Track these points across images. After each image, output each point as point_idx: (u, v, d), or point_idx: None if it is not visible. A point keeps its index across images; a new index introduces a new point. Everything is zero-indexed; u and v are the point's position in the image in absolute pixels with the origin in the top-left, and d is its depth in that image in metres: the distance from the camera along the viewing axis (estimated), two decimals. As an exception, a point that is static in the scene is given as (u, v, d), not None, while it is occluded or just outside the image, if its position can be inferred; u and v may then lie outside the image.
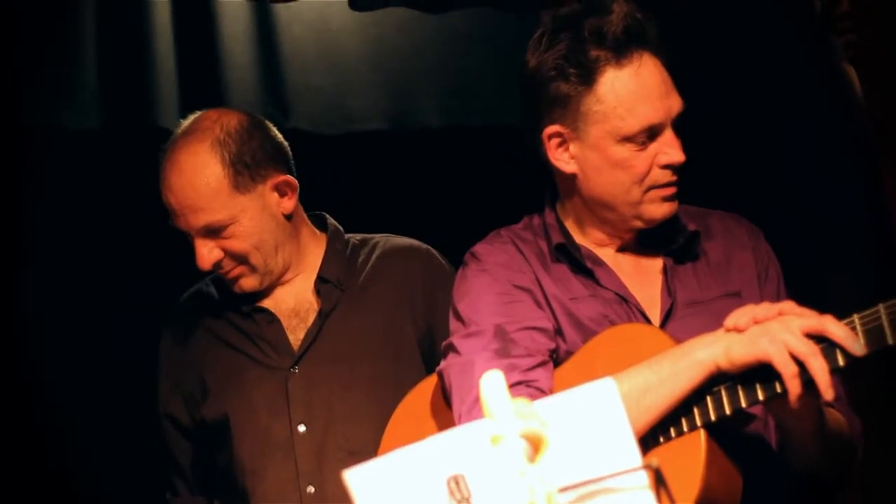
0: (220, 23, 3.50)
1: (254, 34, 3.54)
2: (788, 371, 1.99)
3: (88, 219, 3.51)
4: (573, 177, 2.48)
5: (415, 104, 3.61)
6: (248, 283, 2.91)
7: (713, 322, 2.25)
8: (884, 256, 3.38)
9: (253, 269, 2.89)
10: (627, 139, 2.39)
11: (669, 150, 2.40)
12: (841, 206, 3.50)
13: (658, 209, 2.44)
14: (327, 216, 3.08)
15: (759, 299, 2.44)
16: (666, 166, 2.40)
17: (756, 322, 2.06)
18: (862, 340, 1.96)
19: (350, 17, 3.51)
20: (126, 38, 3.37)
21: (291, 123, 3.49)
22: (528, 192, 2.62)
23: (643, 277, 2.50)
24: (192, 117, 2.91)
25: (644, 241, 2.54)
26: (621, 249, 2.53)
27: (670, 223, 2.53)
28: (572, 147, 2.45)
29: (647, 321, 2.42)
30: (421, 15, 3.48)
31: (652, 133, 2.39)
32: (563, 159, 2.47)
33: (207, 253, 2.84)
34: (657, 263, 2.52)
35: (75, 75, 3.34)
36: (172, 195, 2.82)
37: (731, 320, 2.09)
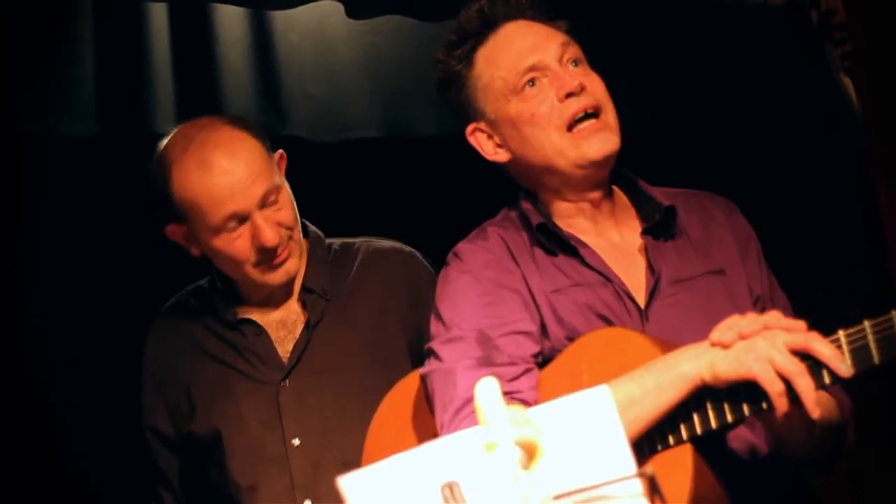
0: (217, 31, 3.49)
1: (251, 42, 3.54)
2: (774, 389, 1.97)
3: (86, 225, 3.51)
4: (512, 163, 2.54)
5: (410, 112, 3.61)
6: (293, 264, 2.87)
7: (698, 300, 2.26)
8: (879, 263, 3.39)
9: (295, 249, 2.86)
10: (515, 92, 2.46)
11: (561, 81, 2.44)
12: (838, 213, 3.51)
13: (588, 148, 2.43)
14: (307, 223, 3.04)
15: (743, 276, 2.47)
16: (568, 95, 2.42)
17: (741, 337, 2.04)
18: (848, 360, 1.94)
19: (347, 26, 3.52)
20: (123, 45, 3.37)
21: (287, 131, 3.49)
22: (518, 185, 2.62)
23: (625, 258, 2.48)
24: (182, 126, 2.88)
25: (621, 221, 2.54)
26: (599, 232, 2.51)
27: (645, 201, 2.54)
28: (495, 137, 2.53)
29: (633, 302, 2.40)
30: (417, 23, 3.48)
31: (535, 75, 2.45)
32: (496, 152, 2.55)
33: (272, 229, 2.78)
34: (637, 243, 2.50)
35: (72, 83, 3.33)
36: (224, 177, 2.74)
37: (716, 335, 2.07)
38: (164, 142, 2.86)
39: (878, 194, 3.43)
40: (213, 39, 3.48)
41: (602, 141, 2.43)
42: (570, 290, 2.41)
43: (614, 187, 2.58)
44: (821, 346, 1.97)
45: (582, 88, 2.43)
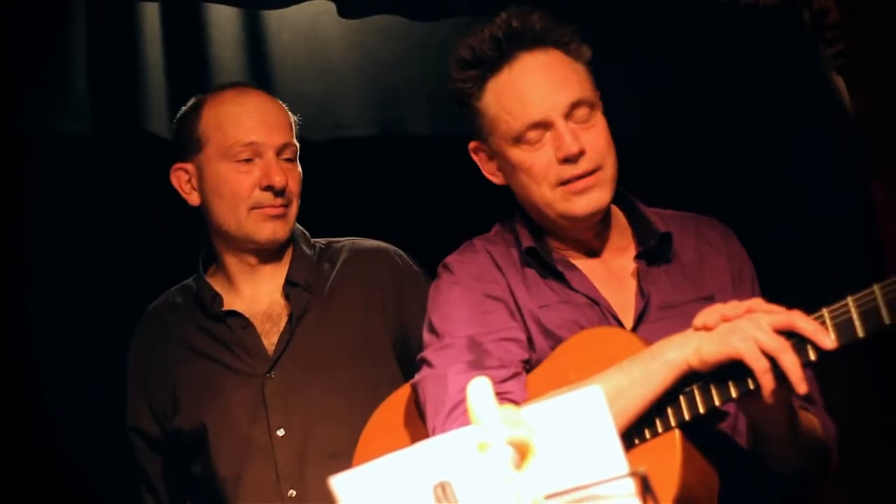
0: (209, 30, 3.49)
1: (243, 41, 3.54)
2: (760, 366, 2.00)
3: (80, 223, 3.51)
4: (508, 187, 2.54)
5: (403, 111, 3.61)
6: (283, 229, 2.92)
7: (686, 326, 2.26)
8: (878, 263, 3.40)
9: (291, 217, 2.93)
10: (518, 140, 2.43)
11: (561, 143, 2.40)
12: (837, 212, 3.52)
13: (576, 205, 2.43)
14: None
15: None
16: (566, 160, 2.40)
17: (725, 320, 2.07)
18: (832, 334, 1.97)
19: (339, 25, 3.51)
20: (116, 44, 3.36)
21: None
22: (514, 200, 2.62)
23: (616, 281, 2.50)
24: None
25: (615, 245, 2.55)
26: (592, 253, 2.53)
27: (641, 225, 2.54)
28: (494, 161, 2.53)
29: (620, 324, 2.42)
30: (409, 23, 3.48)
31: (541, 129, 2.41)
32: (494, 174, 2.55)
33: (282, 174, 2.87)
34: (630, 267, 2.52)
35: (66, 81, 3.32)
36: (256, 109, 2.91)
37: (700, 319, 2.11)
38: None
39: (872, 192, 3.44)
40: (205, 39, 3.48)
41: (590, 199, 2.42)
42: (557, 306, 2.45)
43: (613, 207, 2.57)
44: (804, 323, 2.00)
45: (581, 153, 2.40)
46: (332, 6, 3.37)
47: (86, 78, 3.33)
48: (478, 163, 2.58)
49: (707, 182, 3.49)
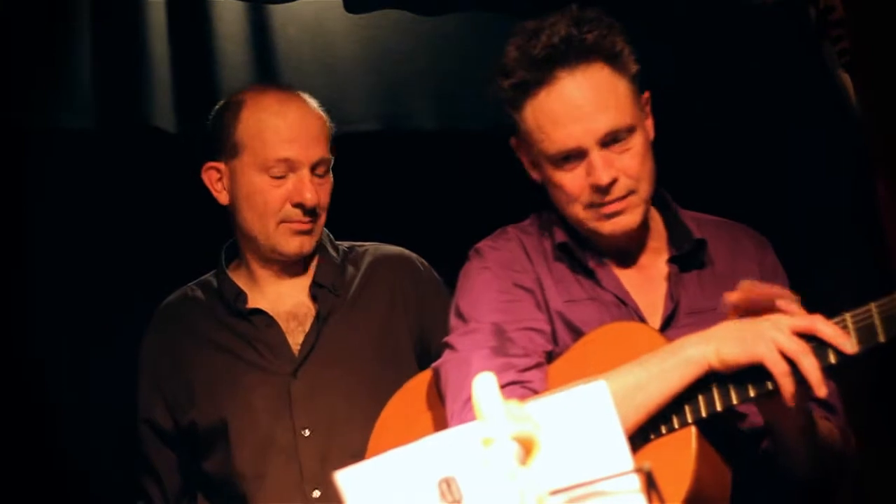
0: (215, 24, 3.49)
1: (249, 35, 3.54)
2: (779, 369, 2.01)
3: (83, 219, 3.50)
4: (532, 183, 2.53)
5: (409, 106, 3.61)
6: (310, 243, 2.93)
7: None
8: (875, 262, 3.39)
9: (319, 230, 2.94)
10: (551, 161, 2.41)
11: (593, 171, 2.37)
12: (834, 210, 3.51)
13: (605, 226, 2.42)
14: None
15: None
16: (595, 188, 2.38)
17: (753, 295, 2.10)
18: (853, 339, 1.99)
19: (345, 19, 3.51)
20: (121, 38, 3.36)
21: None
22: (521, 196, 2.62)
23: (646, 282, 2.49)
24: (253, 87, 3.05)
25: (650, 246, 2.55)
26: (626, 254, 2.52)
27: (677, 228, 2.53)
28: (532, 161, 2.50)
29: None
30: (416, 18, 3.48)
31: (574, 156, 2.39)
32: (531, 169, 2.52)
33: (313, 191, 2.87)
34: (662, 270, 2.51)
35: (70, 76, 3.32)
36: (298, 122, 2.89)
37: (733, 295, 2.12)
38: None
39: (876, 191, 3.43)
40: (211, 33, 3.48)
41: (618, 222, 2.41)
42: (584, 303, 2.45)
43: (651, 209, 2.55)
44: (825, 327, 2.02)
45: (613, 181, 2.38)
46: (338, 0, 3.37)
47: (90, 72, 3.33)
48: (517, 155, 2.56)
49: (710, 180, 3.49)
